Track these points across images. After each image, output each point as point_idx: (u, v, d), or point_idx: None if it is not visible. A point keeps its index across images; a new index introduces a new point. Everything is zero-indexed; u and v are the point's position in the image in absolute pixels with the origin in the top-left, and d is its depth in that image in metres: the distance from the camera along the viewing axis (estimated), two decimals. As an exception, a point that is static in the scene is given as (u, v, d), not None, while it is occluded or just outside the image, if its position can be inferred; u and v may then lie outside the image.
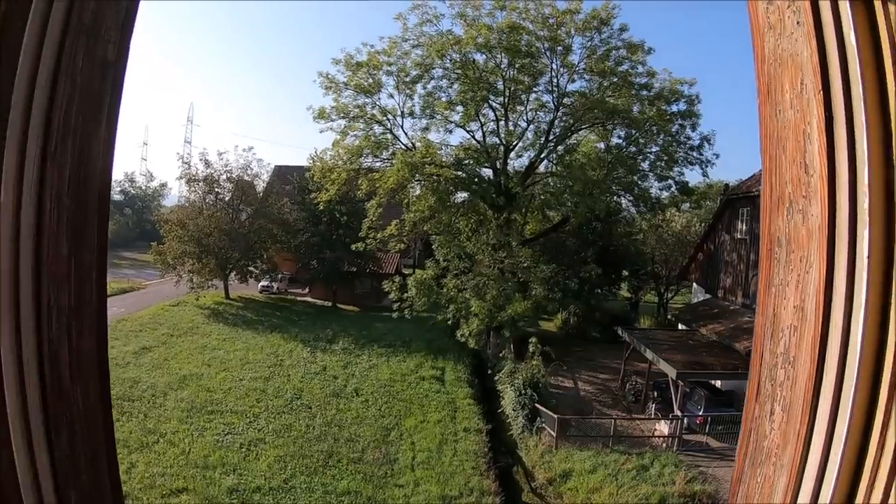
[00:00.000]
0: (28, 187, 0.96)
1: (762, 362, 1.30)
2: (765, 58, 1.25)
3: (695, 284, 29.96)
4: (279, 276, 41.56)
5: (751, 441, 1.33)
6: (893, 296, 1.05)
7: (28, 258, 0.98)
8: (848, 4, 1.07)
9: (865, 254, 1.06)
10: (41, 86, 0.96)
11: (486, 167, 28.58)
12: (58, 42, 0.99)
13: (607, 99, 25.76)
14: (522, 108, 27.54)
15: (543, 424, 19.03)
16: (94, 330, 1.12)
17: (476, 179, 27.78)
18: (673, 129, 26.16)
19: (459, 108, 26.58)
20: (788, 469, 1.18)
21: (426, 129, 27.83)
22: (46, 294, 1.01)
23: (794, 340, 1.21)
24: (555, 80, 26.07)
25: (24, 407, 0.98)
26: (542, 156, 28.25)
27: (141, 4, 1.20)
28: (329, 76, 26.60)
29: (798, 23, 1.15)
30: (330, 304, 38.87)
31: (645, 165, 27.52)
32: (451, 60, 25.79)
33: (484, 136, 27.77)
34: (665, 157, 26.70)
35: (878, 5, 1.05)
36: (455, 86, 26.49)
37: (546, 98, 26.92)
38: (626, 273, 36.20)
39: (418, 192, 28.04)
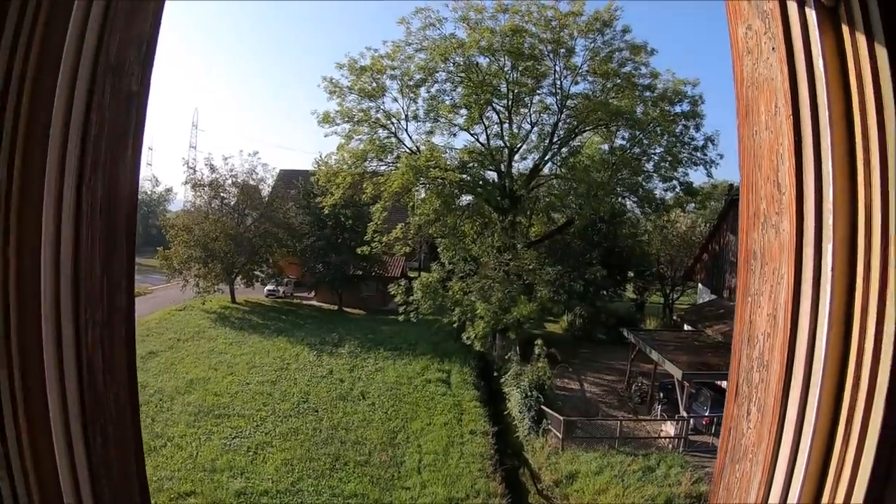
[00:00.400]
0: (67, 215, 1.06)
1: (740, 366, 1.39)
2: (743, 80, 1.34)
3: (700, 285, 29.97)
4: (285, 280, 41.65)
5: (730, 439, 1.42)
6: (856, 306, 1.13)
7: (67, 279, 1.08)
8: (818, 34, 1.15)
9: (829, 267, 1.15)
10: (75, 121, 1.06)
11: (490, 170, 28.65)
12: (89, 80, 1.08)
13: (611, 100, 25.78)
14: (526, 111, 27.63)
15: (549, 426, 19.08)
16: (124, 341, 1.21)
17: (481, 182, 27.85)
18: (677, 130, 26.11)
19: (463, 111, 26.65)
20: (762, 465, 1.27)
21: (430, 132, 27.92)
22: (84, 310, 1.10)
23: (768, 346, 1.30)
24: (558, 83, 26.13)
25: (66, 415, 1.08)
26: (546, 158, 28.29)
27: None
28: (333, 80, 26.73)
29: (773, 49, 1.24)
30: (336, 307, 38.97)
31: (649, 166, 27.49)
32: (454, 64, 25.88)
33: (488, 138, 27.83)
34: (669, 158, 26.65)
35: (846, 35, 1.13)
36: (459, 89, 26.57)
37: (550, 100, 26.97)
38: (632, 274, 36.19)
39: (423, 195, 28.10)
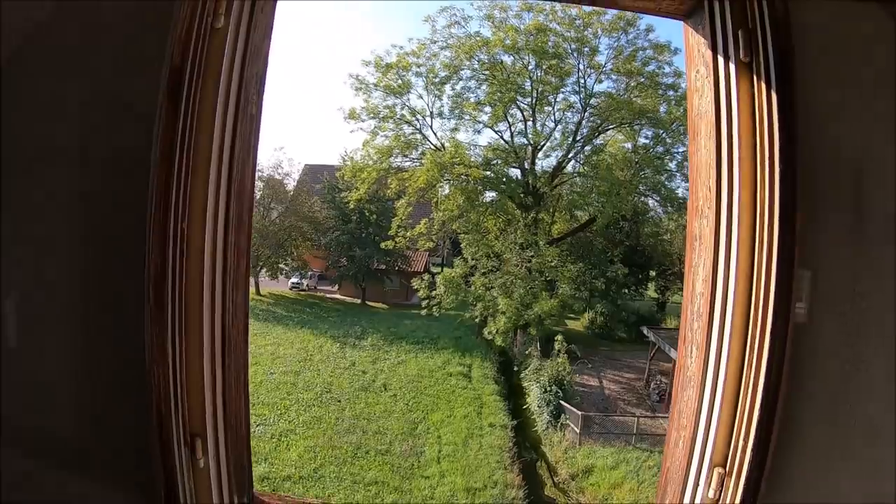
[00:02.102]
0: (220, 220, 1.52)
1: (686, 319, 1.87)
2: (692, 111, 1.75)
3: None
4: (309, 273, 42.07)
5: (681, 374, 1.88)
6: (755, 269, 1.63)
7: (220, 269, 1.57)
8: (735, 81, 1.59)
9: (735, 245, 1.63)
10: (227, 140, 1.53)
11: (514, 167, 28.83)
12: (235, 109, 1.53)
13: (634, 99, 25.85)
14: (550, 109, 27.74)
15: (567, 421, 19.35)
16: (243, 318, 1.67)
17: (504, 179, 28.05)
18: (700, 129, 26.03)
19: (488, 108, 26.90)
20: (697, 390, 1.75)
21: (455, 129, 28.18)
22: (230, 295, 1.58)
23: (702, 302, 1.77)
24: (582, 81, 26.28)
25: (213, 363, 1.60)
26: (569, 156, 28.44)
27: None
28: (359, 77, 27.15)
29: (710, 89, 1.68)
30: (359, 301, 39.34)
31: (672, 166, 27.43)
32: (479, 62, 26.15)
33: (512, 136, 28.03)
34: (692, 158, 26.58)
35: (755, 82, 1.54)
36: (483, 87, 26.83)
37: (573, 98, 27.08)
38: (654, 273, 36.14)
39: (447, 191, 28.35)
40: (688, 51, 1.85)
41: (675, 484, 1.84)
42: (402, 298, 38.56)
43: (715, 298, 1.73)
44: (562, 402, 19.98)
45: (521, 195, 27.82)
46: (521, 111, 27.54)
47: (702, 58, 1.77)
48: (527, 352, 26.23)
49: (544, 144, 28.55)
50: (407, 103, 27.95)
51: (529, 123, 27.70)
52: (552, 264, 25.47)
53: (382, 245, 29.49)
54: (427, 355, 27.83)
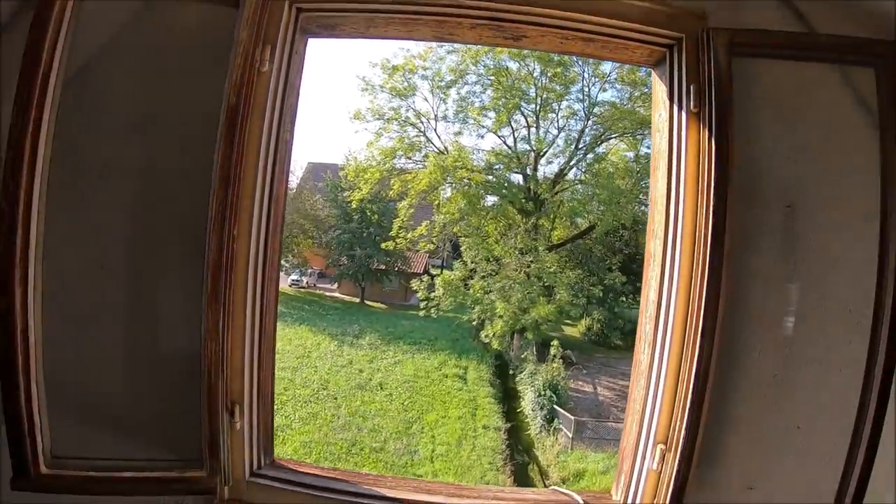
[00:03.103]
0: (261, 226, 1.99)
1: (643, 321, 2.23)
2: (654, 148, 2.09)
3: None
4: (309, 270, 42.10)
5: (636, 367, 2.24)
6: (692, 278, 1.98)
7: (260, 267, 2.05)
8: (685, 126, 1.94)
9: (678, 260, 2.00)
10: (270, 159, 2.01)
11: (516, 172, 29.03)
12: (276, 137, 1.94)
13: (637, 109, 26.09)
14: (554, 116, 27.97)
15: (561, 425, 19.57)
16: (273, 309, 2.08)
17: (506, 184, 28.26)
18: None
19: (492, 113, 27.11)
20: (647, 378, 2.11)
21: (459, 133, 28.37)
22: (265, 289, 2.02)
23: (652, 309, 2.14)
24: (586, 89, 26.54)
25: (251, 346, 2.02)
26: (571, 163, 28.66)
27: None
28: (366, 79, 27.41)
29: (667, 131, 2.02)
30: (358, 300, 39.27)
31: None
32: (484, 67, 26.40)
33: (515, 141, 28.25)
34: (692, 169, 26.84)
35: (701, 128, 1.89)
36: (488, 92, 27.03)
37: (577, 106, 27.32)
38: (651, 282, 36.29)
39: (449, 194, 28.56)
40: (654, 95, 2.22)
41: (629, 458, 2.22)
42: (401, 299, 38.57)
43: (661, 304, 2.12)
44: (556, 406, 20.21)
45: (523, 200, 27.94)
46: (525, 117, 27.72)
47: (663, 103, 2.13)
48: (523, 356, 26.37)
49: (547, 151, 28.70)
50: (412, 106, 28.11)
51: (533, 130, 27.89)
52: (551, 270, 25.62)
53: (383, 245, 29.68)
54: (424, 356, 27.75)
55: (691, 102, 2.00)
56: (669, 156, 2.07)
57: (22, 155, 1.73)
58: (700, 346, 1.94)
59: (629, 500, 2.21)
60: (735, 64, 1.96)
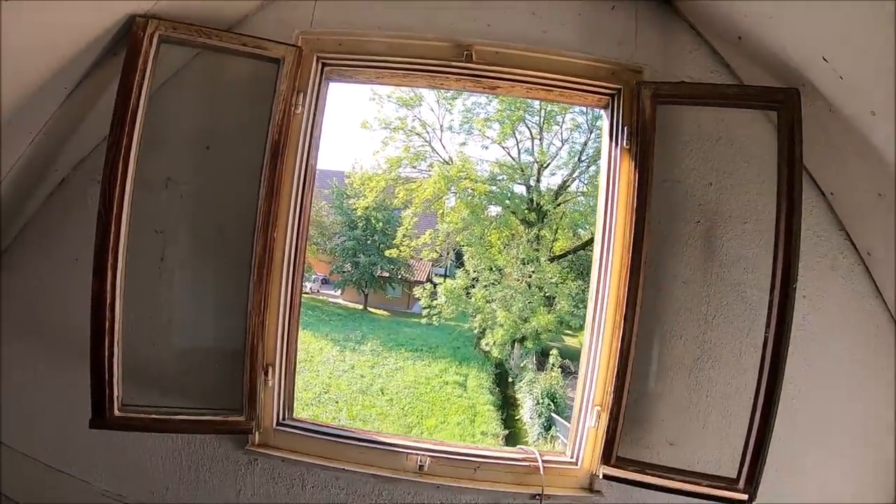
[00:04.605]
0: (294, 230, 2.58)
1: (590, 313, 2.85)
2: (602, 175, 2.71)
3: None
4: (313, 276, 42.17)
5: (584, 349, 2.85)
6: (619, 286, 2.51)
7: (291, 260, 2.63)
8: (619, 158, 2.52)
9: (611, 268, 2.57)
10: (302, 178, 2.58)
11: (519, 183, 29.27)
12: (307, 162, 2.51)
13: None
14: (557, 128, 28.25)
15: (558, 433, 19.81)
16: (299, 295, 2.73)
17: (509, 195, 28.53)
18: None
19: (496, 125, 27.40)
20: (588, 352, 2.76)
21: (464, 143, 28.63)
22: (294, 276, 2.63)
23: (595, 303, 2.78)
24: (589, 104, 26.78)
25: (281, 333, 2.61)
26: (573, 175, 28.92)
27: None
28: (373, 89, 27.73)
29: (607, 159, 2.57)
30: (361, 306, 39.38)
31: (672, 190, 27.94)
32: (490, 78, 26.70)
33: (519, 153, 28.50)
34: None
35: (630, 159, 2.46)
36: (493, 104, 27.32)
37: (580, 119, 27.59)
38: (651, 294, 36.53)
39: (453, 203, 28.82)
40: (605, 131, 2.81)
41: (576, 421, 2.83)
42: (404, 306, 38.59)
43: (598, 298, 2.73)
44: (553, 414, 20.44)
45: (525, 211, 28.14)
46: (529, 129, 27.96)
47: (609, 138, 2.74)
48: (522, 364, 26.58)
49: (550, 163, 29.00)
50: (418, 116, 28.42)
51: (536, 141, 28.16)
52: (552, 280, 25.82)
53: (387, 253, 29.93)
54: (425, 363, 27.86)
55: (624, 140, 2.60)
56: (607, 180, 2.68)
57: (116, 170, 2.29)
58: (623, 330, 2.51)
59: (575, 453, 2.80)
60: (663, 110, 2.52)
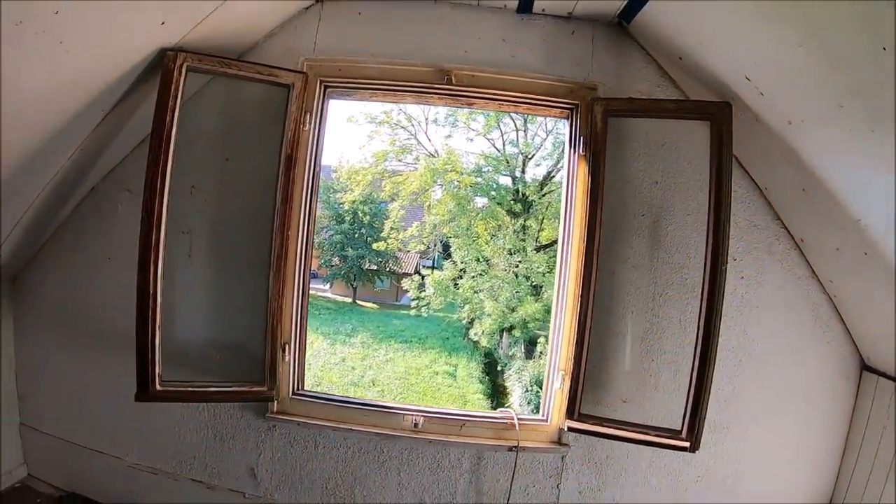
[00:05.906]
0: (303, 229, 3.05)
1: (555, 292, 3.37)
2: (564, 179, 3.13)
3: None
4: (302, 271, 42.03)
5: (551, 322, 3.27)
6: (577, 272, 2.94)
7: (303, 254, 3.10)
8: (576, 164, 2.96)
9: (572, 257, 2.96)
10: (309, 184, 2.94)
11: (504, 175, 29.51)
12: (315, 167, 2.93)
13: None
14: (542, 120, 28.46)
15: (546, 418, 20.27)
16: (308, 284, 3.16)
17: (494, 186, 28.77)
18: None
19: (481, 117, 27.65)
20: (554, 325, 3.22)
21: (449, 136, 28.84)
22: (304, 269, 3.11)
23: (559, 286, 3.24)
24: (575, 94, 26.99)
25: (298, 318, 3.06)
26: (558, 166, 29.17)
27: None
28: (359, 84, 27.85)
29: (566, 164, 3.03)
30: (350, 300, 39.72)
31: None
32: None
33: (504, 144, 28.74)
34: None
35: (585, 166, 2.91)
36: (477, 97, 27.46)
37: (565, 110, 27.74)
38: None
39: (439, 195, 29.04)
40: (566, 139, 3.25)
41: (547, 383, 3.39)
42: (392, 298, 38.90)
43: (561, 278, 3.23)
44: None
45: (511, 202, 28.41)
46: (514, 121, 28.25)
47: (568, 145, 3.23)
48: (511, 353, 26.87)
49: (534, 154, 29.30)
50: (403, 109, 28.61)
51: (521, 133, 28.40)
52: (539, 270, 26.14)
53: (374, 246, 30.11)
54: (415, 354, 28.36)
55: (580, 149, 3.10)
56: (567, 182, 3.20)
57: (156, 182, 2.73)
58: (580, 305, 3.01)
59: (546, 414, 3.29)
60: (614, 121, 3.01)
